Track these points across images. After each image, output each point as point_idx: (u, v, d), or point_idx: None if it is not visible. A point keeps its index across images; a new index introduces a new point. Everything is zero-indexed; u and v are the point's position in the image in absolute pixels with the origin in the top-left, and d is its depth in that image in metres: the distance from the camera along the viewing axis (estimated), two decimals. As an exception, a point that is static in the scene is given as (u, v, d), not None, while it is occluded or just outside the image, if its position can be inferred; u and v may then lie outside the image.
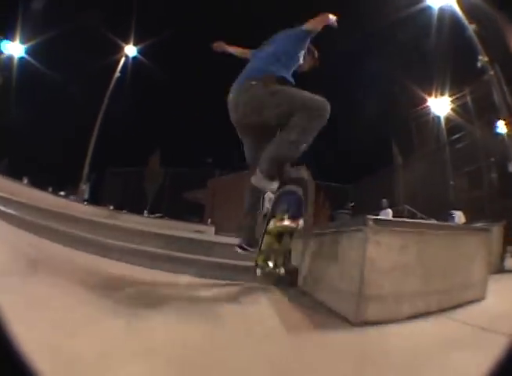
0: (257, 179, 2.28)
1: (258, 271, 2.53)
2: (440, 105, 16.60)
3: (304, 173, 2.52)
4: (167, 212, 17.89)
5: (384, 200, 10.43)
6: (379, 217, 1.62)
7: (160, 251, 2.72)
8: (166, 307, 1.70)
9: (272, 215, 2.55)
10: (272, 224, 2.52)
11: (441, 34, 14.24)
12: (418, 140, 18.04)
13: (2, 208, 3.47)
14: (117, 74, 18.04)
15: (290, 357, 1.22)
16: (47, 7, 17.05)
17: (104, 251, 2.75)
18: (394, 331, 1.58)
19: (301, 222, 2.50)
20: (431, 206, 12.73)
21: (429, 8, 13.35)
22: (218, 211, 17.28)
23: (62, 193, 12.84)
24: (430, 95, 16.97)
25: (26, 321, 1.08)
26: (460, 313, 1.84)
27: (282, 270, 2.50)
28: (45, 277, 1.89)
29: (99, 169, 18.54)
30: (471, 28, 11.54)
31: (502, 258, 3.43)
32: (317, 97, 2.35)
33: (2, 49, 16.55)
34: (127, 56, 18.59)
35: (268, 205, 2.79)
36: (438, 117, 16.80)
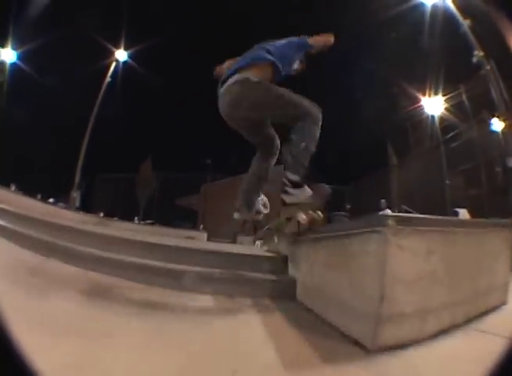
0: (285, 195, 2.35)
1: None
2: (434, 104, 16.33)
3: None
4: (159, 219, 17.52)
5: (383, 201, 10.06)
6: (399, 214, 1.29)
7: (139, 260, 2.35)
8: (132, 331, 1.37)
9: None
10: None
11: (434, 32, 14.09)
12: (413, 140, 17.87)
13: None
14: (108, 78, 17.77)
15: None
16: (39, 13, 16.77)
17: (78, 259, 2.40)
18: (421, 356, 1.28)
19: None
20: (428, 205, 12.46)
21: (422, 5, 13.20)
22: (211, 217, 16.95)
23: (51, 200, 12.42)
24: (424, 94, 16.67)
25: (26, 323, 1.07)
26: (487, 323, 1.61)
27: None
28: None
29: (89, 176, 18.14)
30: (466, 24, 11.37)
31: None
32: (314, 105, 2.44)
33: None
34: (117, 61, 18.34)
35: (261, 208, 2.91)
36: (433, 117, 16.51)
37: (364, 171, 19.09)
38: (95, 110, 16.89)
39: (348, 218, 12.89)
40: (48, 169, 18.76)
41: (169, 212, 19.01)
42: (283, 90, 2.48)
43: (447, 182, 13.62)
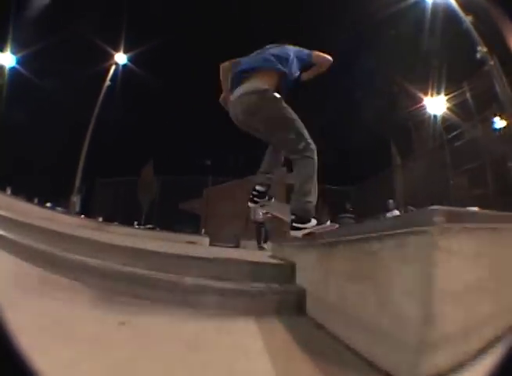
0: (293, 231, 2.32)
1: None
2: (437, 103, 16.02)
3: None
4: (160, 223, 17.21)
5: (391, 201, 9.65)
6: (446, 208, 1.00)
7: (126, 269, 2.05)
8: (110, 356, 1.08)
9: None
10: None
11: (436, 29, 13.89)
12: (416, 140, 17.61)
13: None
14: (108, 82, 17.62)
15: None
16: (38, 17, 16.69)
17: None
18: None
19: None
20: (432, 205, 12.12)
21: (422, 1, 12.95)
22: (214, 221, 16.66)
23: (48, 204, 12.19)
24: (426, 93, 16.41)
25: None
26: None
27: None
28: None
29: (89, 180, 17.91)
30: (468, 20, 11.12)
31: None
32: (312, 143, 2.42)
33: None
34: (117, 64, 18.18)
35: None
36: (435, 116, 16.20)
37: (367, 171, 18.86)
38: (95, 113, 16.63)
39: (354, 221, 12.59)
40: (48, 173, 18.62)
41: (170, 216, 18.70)
42: (294, 115, 2.46)
43: (451, 182, 13.44)
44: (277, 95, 2.47)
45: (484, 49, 10.83)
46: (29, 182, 16.38)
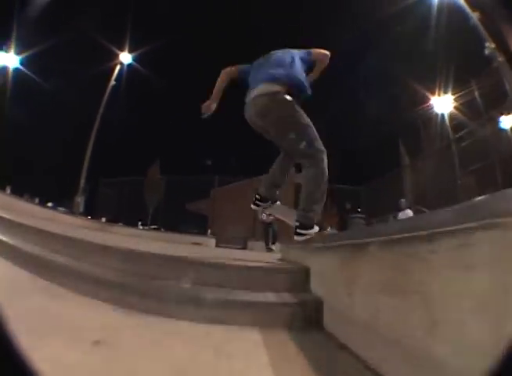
0: (297, 236, 2.42)
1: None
2: (444, 102, 15.91)
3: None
4: (166, 223, 16.98)
5: (403, 200, 9.24)
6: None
7: (112, 273, 1.76)
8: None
9: None
10: None
11: (442, 26, 13.61)
12: (425, 139, 17.30)
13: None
14: (112, 81, 17.48)
15: None
16: (43, 17, 16.63)
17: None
18: None
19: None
20: (441, 206, 11.80)
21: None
22: (221, 222, 16.37)
23: (50, 204, 12.02)
24: (433, 92, 16.27)
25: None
26: None
27: None
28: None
29: (93, 180, 17.75)
30: (475, 16, 10.78)
31: None
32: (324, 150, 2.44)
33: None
34: (122, 64, 18.02)
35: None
36: (443, 115, 16.07)
37: (376, 171, 18.56)
38: (100, 113, 16.49)
39: (365, 221, 12.24)
40: (52, 173, 18.54)
41: (176, 216, 18.48)
42: (308, 120, 2.47)
43: (458, 182, 13.24)
44: (289, 98, 2.47)
45: (493, 45, 10.52)
46: (33, 182, 16.30)
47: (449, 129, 15.39)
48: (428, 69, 16.39)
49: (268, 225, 8.86)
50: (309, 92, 2.66)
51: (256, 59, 2.87)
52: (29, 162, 18.57)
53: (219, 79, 2.91)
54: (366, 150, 21.29)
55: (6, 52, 16.32)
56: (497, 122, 11.59)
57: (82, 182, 15.44)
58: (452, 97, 15.55)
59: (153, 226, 15.70)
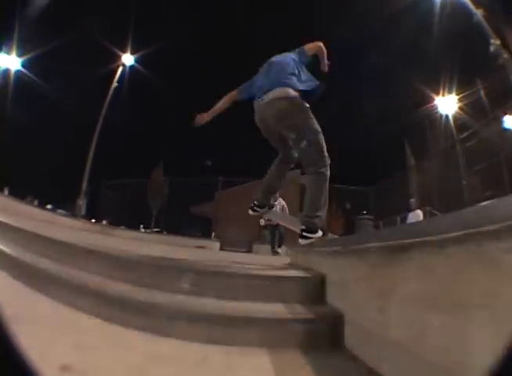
0: (302, 239, 2.46)
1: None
2: (448, 102, 15.80)
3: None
4: (170, 226, 16.72)
5: (412, 201, 8.99)
6: None
7: (92, 280, 1.50)
8: None
9: None
10: None
11: (445, 24, 13.53)
12: (430, 140, 17.09)
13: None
14: (115, 83, 17.40)
15: None
16: (43, 18, 16.61)
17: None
18: None
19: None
20: (447, 207, 11.66)
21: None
22: (225, 225, 16.08)
23: (49, 206, 11.86)
24: (437, 93, 16.14)
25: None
26: None
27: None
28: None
29: (95, 182, 17.57)
30: (479, 13, 10.68)
31: None
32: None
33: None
34: (124, 65, 17.96)
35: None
36: (447, 116, 15.92)
37: (383, 172, 18.34)
38: (102, 114, 16.37)
39: (373, 222, 11.96)
40: (54, 175, 18.43)
41: (179, 219, 18.16)
42: (319, 127, 2.51)
43: (464, 182, 13.07)
44: (306, 104, 2.53)
45: (498, 42, 10.47)
46: (34, 185, 16.18)
47: (454, 129, 15.28)
48: (434, 67, 16.26)
49: (274, 227, 8.55)
50: (318, 92, 2.69)
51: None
52: (30, 164, 18.44)
53: (223, 100, 3.03)
54: (368, 151, 21.06)
55: (8, 54, 16.34)
56: (501, 122, 11.51)
57: (84, 184, 15.31)
58: (458, 96, 15.40)
59: (155, 229, 15.46)
